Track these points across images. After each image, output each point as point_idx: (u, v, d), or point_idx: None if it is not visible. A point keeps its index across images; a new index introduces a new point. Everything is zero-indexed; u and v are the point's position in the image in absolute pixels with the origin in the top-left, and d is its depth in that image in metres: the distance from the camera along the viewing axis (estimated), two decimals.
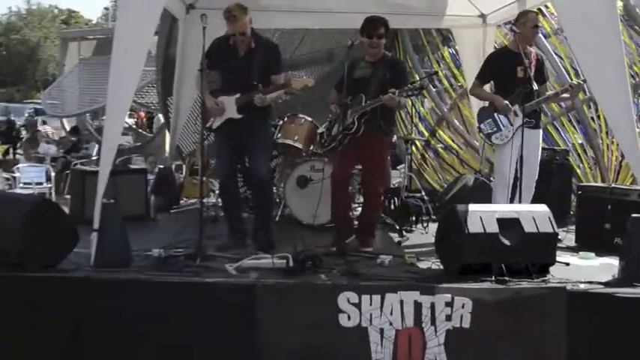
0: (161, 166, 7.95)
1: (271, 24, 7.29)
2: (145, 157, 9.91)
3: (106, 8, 55.21)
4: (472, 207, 4.41)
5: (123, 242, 4.44)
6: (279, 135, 6.71)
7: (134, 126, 16.77)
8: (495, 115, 5.64)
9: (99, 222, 4.37)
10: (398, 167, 8.40)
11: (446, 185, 7.93)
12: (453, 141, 9.42)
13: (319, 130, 5.80)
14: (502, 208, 4.53)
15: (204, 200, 5.94)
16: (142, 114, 18.01)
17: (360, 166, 5.66)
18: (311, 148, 6.72)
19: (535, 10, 6.07)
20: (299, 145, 6.66)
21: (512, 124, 5.48)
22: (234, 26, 5.09)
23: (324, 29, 8.60)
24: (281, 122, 6.81)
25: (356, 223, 5.75)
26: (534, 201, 5.35)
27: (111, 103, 4.46)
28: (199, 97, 5.54)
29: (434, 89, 9.53)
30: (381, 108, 5.07)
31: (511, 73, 5.32)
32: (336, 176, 5.28)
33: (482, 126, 5.71)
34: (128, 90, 4.53)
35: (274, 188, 6.79)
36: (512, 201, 5.32)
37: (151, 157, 10.34)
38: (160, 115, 17.48)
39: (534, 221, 4.34)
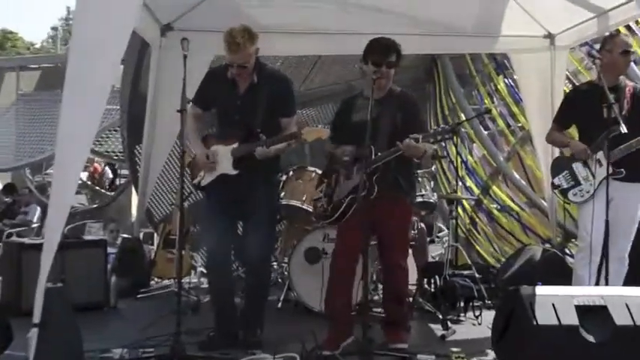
0: (125, 236, 7.99)
1: (274, 49, 7.29)
2: (105, 224, 9.95)
3: (54, 28, 56.49)
4: (541, 289, 4.38)
5: (73, 340, 4.37)
6: (283, 194, 6.79)
7: (89, 182, 16.67)
8: (573, 165, 5.72)
9: (41, 313, 4.25)
10: (439, 235, 8.36)
11: (504, 259, 7.88)
12: (512, 200, 9.39)
13: (315, 196, 5.85)
14: (583, 292, 4.48)
15: (184, 281, 6.02)
16: (98, 166, 18.09)
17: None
18: None
19: (621, 28, 6.10)
20: (308, 208, 6.68)
21: (594, 177, 5.53)
22: (235, 56, 5.22)
23: (340, 55, 8.63)
24: (285, 177, 6.88)
25: (381, 311, 5.76)
26: (628, 281, 5.30)
27: (61, 152, 4.41)
28: (178, 144, 5.58)
29: (485, 132, 9.56)
30: (396, 160, 5.13)
31: (596, 114, 5.28)
32: (340, 251, 5.35)
33: (556, 180, 5.82)
34: (85, 136, 4.48)
35: (275, 264, 6.88)
36: (597, 282, 5.24)
37: (111, 223, 10.31)
38: (107, 169, 17.54)
39: (628, 310, 4.27)
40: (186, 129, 5.14)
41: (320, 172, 6.65)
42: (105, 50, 4.36)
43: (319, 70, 9.93)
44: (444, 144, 8.65)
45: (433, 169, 7.97)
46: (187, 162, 5.34)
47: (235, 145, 5.28)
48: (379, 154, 5.10)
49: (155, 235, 8.34)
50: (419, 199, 6.91)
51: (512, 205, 9.38)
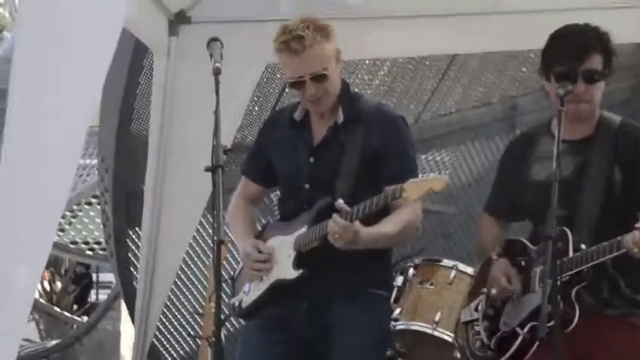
0: None
1: (371, 50, 7.12)
2: None
3: None
4: None
5: None
6: (399, 312, 6.46)
7: (42, 299, 16.07)
8: None
9: None
10: None
11: None
12: None
13: (463, 319, 5.60)
14: None
15: None
16: (46, 274, 17.12)
17: None
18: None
19: None
20: (447, 336, 6.29)
21: None
22: (300, 63, 4.90)
23: (492, 54, 8.60)
24: (401, 280, 6.57)
25: None
26: None
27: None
28: (208, 226, 5.89)
29: None
30: (617, 259, 4.67)
31: None
32: None
33: None
34: (46, 215, 4.22)
35: None
36: None
37: None
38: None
39: None
40: (229, 216, 5.11)
41: (469, 271, 6.41)
42: (75, 64, 4.17)
43: (454, 83, 9.65)
44: None
45: None
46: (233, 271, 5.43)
47: (302, 231, 5.03)
48: (583, 248, 4.71)
49: None
50: None
51: None
